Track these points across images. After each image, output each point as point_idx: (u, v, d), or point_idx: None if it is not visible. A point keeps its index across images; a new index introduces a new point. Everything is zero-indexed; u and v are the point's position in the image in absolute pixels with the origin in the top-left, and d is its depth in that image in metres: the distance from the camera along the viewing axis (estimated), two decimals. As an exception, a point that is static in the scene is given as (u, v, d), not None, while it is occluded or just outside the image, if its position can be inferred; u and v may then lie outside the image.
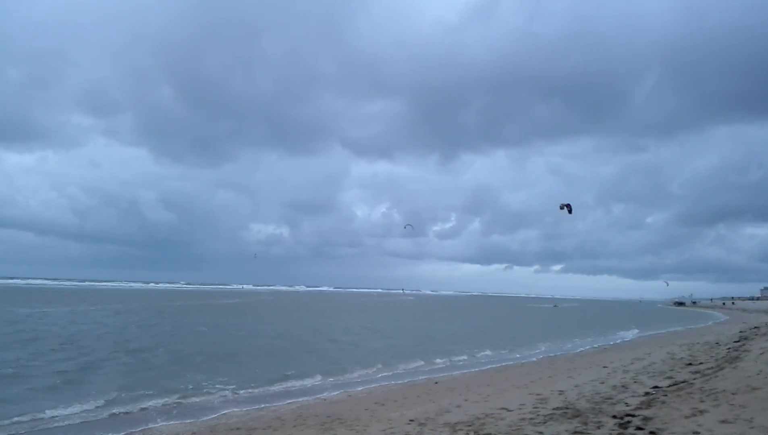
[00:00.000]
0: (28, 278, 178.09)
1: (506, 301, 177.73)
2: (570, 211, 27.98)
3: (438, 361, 21.07)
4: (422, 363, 20.44)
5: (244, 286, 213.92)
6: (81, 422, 11.01)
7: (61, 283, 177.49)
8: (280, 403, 12.91)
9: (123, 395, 13.16)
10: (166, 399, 13.05)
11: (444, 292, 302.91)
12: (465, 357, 22.71)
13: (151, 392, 13.58)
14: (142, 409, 12.08)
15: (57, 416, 11.24)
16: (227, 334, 29.16)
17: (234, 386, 14.77)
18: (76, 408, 11.83)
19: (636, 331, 40.73)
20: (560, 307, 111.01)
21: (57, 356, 18.55)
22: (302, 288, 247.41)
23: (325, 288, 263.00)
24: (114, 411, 11.84)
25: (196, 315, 44.83)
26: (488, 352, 24.31)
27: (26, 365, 16.57)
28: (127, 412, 11.79)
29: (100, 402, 12.40)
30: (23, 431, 10.24)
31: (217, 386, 14.65)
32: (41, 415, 11.19)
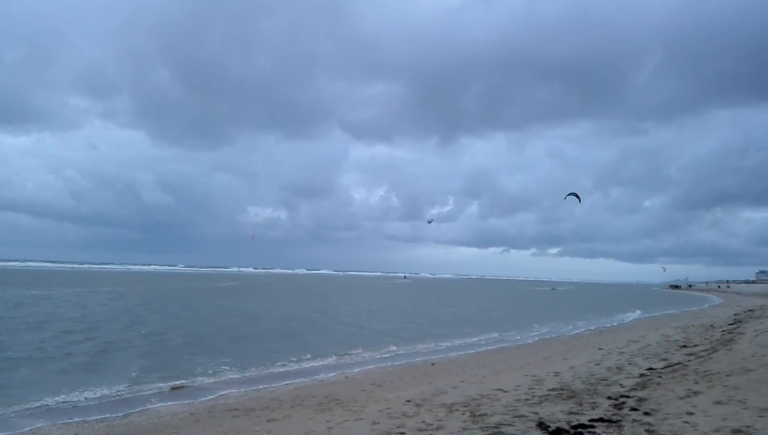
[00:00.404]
0: (26, 260, 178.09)
1: (505, 284, 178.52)
2: (579, 199, 28.12)
3: (445, 344, 21.20)
4: (432, 345, 20.70)
5: (242, 269, 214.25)
6: (79, 402, 11.07)
7: (59, 265, 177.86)
8: (278, 384, 12.99)
9: (122, 376, 13.23)
10: (166, 380, 13.11)
11: (443, 276, 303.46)
12: (476, 338, 22.96)
13: (151, 374, 13.65)
14: (142, 390, 12.15)
15: (58, 399, 11.30)
16: (228, 316, 29.30)
17: (233, 367, 14.85)
18: (76, 391, 11.89)
19: (638, 312, 41.59)
20: (558, 290, 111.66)
21: (61, 340, 18.62)
22: (302, 271, 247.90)
23: (324, 271, 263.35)
24: (113, 392, 11.91)
25: (196, 298, 45.01)
26: (495, 334, 24.53)
27: (35, 349, 16.61)
28: (126, 393, 11.85)
29: (100, 383, 12.46)
30: (28, 413, 10.30)
31: (216, 368, 14.72)
32: (45, 398, 11.27)
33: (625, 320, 33.92)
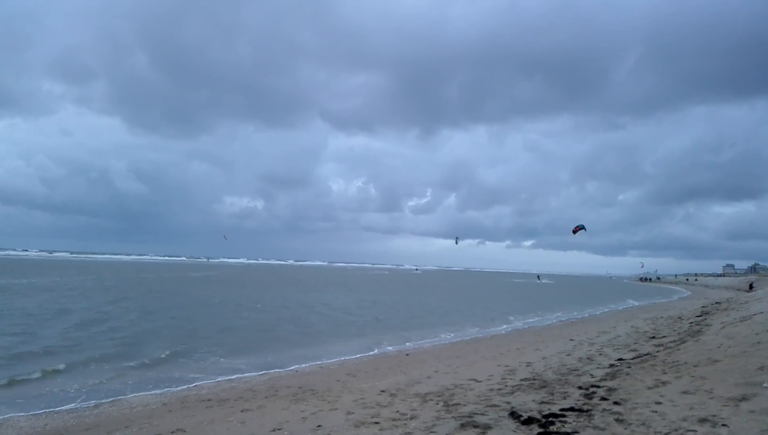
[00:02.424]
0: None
1: (487, 276, 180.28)
2: (577, 231, 28.74)
3: (447, 335, 21.36)
4: (452, 334, 20.92)
5: (214, 259, 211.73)
6: (47, 392, 10.88)
7: (28, 253, 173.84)
8: (252, 374, 12.93)
9: (95, 367, 13.06)
10: (139, 370, 12.99)
11: (426, 268, 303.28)
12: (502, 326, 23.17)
13: (123, 364, 13.51)
14: (113, 381, 11.99)
15: (28, 389, 11.12)
16: (203, 307, 29.06)
17: (206, 358, 14.76)
18: (47, 379, 11.70)
19: (633, 302, 43.78)
20: (542, 282, 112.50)
21: (25, 332, 18.26)
22: (292, 262, 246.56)
23: (318, 262, 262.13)
24: (85, 382, 11.73)
25: (170, 288, 44.56)
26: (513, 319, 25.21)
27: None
28: (96, 384, 11.67)
29: (71, 373, 12.28)
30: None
31: (189, 358, 14.62)
32: (14, 389, 11.06)
33: (597, 312, 34.58)
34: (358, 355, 15.98)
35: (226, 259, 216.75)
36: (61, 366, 12.93)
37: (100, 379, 12.07)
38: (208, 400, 10.22)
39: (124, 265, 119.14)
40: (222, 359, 14.77)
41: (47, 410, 9.63)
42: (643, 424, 6.28)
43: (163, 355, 14.71)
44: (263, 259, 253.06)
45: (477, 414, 7.44)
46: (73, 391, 11.08)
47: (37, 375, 12.01)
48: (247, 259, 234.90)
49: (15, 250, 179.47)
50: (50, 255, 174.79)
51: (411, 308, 34.08)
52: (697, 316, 22.16)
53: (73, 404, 10.05)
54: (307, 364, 14.43)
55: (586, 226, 30.99)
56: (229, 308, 28.75)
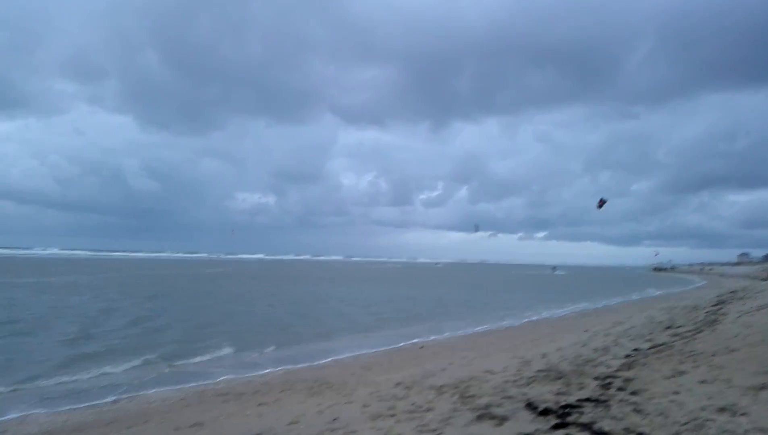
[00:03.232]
0: (9, 248, 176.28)
1: (502, 268, 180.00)
2: (602, 204, 28.54)
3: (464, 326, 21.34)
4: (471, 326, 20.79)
5: (231, 256, 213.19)
6: (69, 388, 11.03)
7: (49, 252, 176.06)
8: (267, 370, 13.00)
9: (113, 363, 13.19)
10: (156, 366, 13.12)
11: (441, 261, 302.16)
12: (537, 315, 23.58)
13: (140, 359, 13.65)
14: (132, 376, 12.12)
15: (49, 384, 11.27)
16: (221, 302, 29.33)
17: (223, 353, 14.88)
18: (64, 377, 11.85)
19: (654, 291, 43.74)
20: (558, 274, 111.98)
21: (52, 327, 18.50)
22: (309, 257, 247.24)
23: (334, 257, 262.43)
24: (103, 379, 11.88)
25: (186, 284, 44.91)
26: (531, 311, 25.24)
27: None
28: (115, 379, 11.82)
29: (93, 370, 12.43)
30: (18, 399, 10.24)
31: (206, 353, 14.73)
32: (36, 383, 11.22)
33: (611, 303, 34.41)
34: (373, 349, 16.01)
35: (243, 255, 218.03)
36: (78, 361, 13.11)
37: (119, 375, 12.22)
38: (225, 394, 10.30)
39: (142, 262, 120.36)
40: (237, 354, 14.89)
41: (67, 407, 9.76)
42: (662, 414, 6.24)
43: (178, 350, 14.85)
44: (280, 255, 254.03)
45: (493, 405, 7.42)
46: (91, 386, 11.23)
47: (56, 372, 12.18)
48: (265, 255, 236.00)
49: (32, 249, 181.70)
50: (71, 253, 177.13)
51: (434, 301, 34.23)
52: (713, 306, 21.96)
53: (92, 400, 10.18)
54: (322, 359, 14.50)
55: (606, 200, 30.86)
56: (245, 303, 28.98)
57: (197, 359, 14.04)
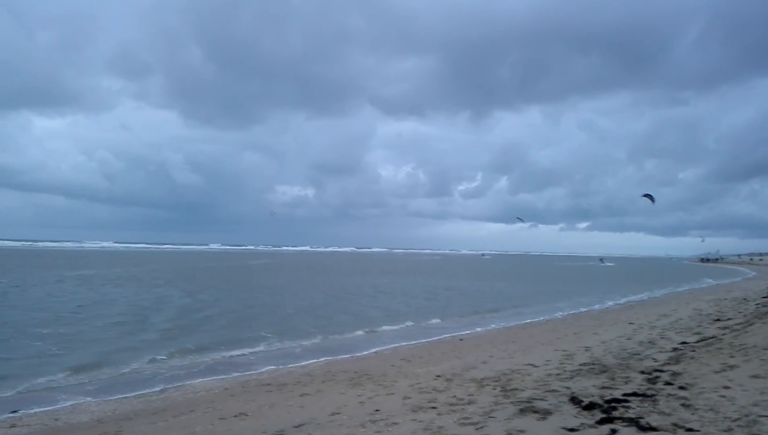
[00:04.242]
0: (60, 241, 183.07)
1: (546, 259, 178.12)
2: (653, 200, 28.04)
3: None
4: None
5: (278, 247, 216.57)
6: (118, 378, 11.40)
7: (97, 244, 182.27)
8: (309, 361, 13.17)
9: (159, 353, 13.58)
10: (201, 356, 13.45)
11: (485, 252, 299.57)
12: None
13: (186, 350, 14.04)
14: (178, 366, 12.46)
15: (98, 374, 11.67)
16: (264, 292, 29.97)
17: (267, 344, 15.16)
18: (115, 367, 12.26)
19: (712, 281, 42.92)
20: (605, 264, 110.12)
21: (99, 320, 19.17)
22: (353, 249, 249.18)
23: (377, 249, 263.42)
24: (150, 368, 12.26)
25: (236, 275, 46.09)
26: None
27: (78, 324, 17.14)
28: (162, 369, 12.17)
29: (142, 360, 12.84)
30: (69, 388, 10.64)
31: (250, 344, 15.04)
32: (86, 374, 11.64)
33: (656, 294, 33.64)
34: (413, 341, 16.03)
35: (287, 247, 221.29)
36: (127, 352, 13.55)
37: (165, 364, 12.59)
38: (268, 384, 10.47)
39: (190, 254, 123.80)
40: (280, 344, 15.17)
41: (117, 396, 10.09)
42: (712, 409, 6.07)
43: (223, 341, 15.20)
44: (323, 247, 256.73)
45: (536, 399, 7.34)
46: (139, 376, 11.59)
47: (107, 361, 12.61)
48: (309, 247, 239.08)
49: (82, 242, 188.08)
50: (125, 246, 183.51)
51: (482, 293, 34.33)
52: (764, 298, 21.24)
53: (140, 390, 10.50)
54: (363, 350, 14.61)
55: (652, 197, 30.27)
56: (290, 294, 29.54)
57: (241, 350, 14.33)
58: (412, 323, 19.80)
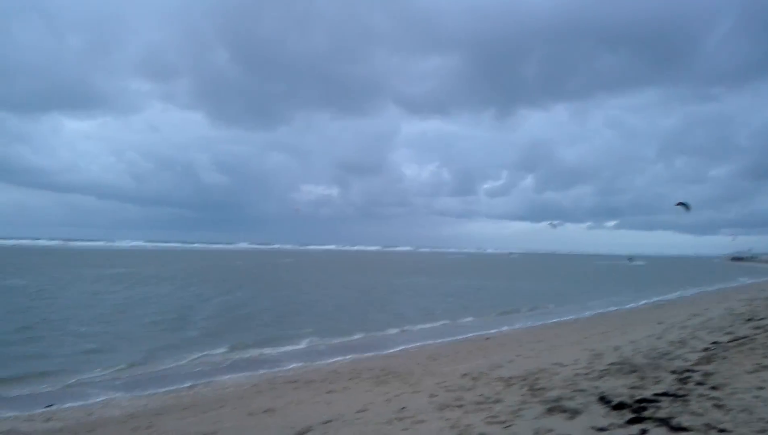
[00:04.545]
0: (91, 240, 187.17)
1: (574, 258, 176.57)
2: (688, 208, 27.70)
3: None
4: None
5: (302, 246, 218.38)
6: (148, 374, 11.63)
7: (128, 243, 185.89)
8: (336, 358, 13.26)
9: (188, 349, 13.80)
10: (230, 353, 13.64)
11: (512, 251, 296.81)
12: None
13: (215, 347, 14.23)
14: (207, 363, 12.66)
15: (130, 370, 11.91)
16: (294, 291, 30.34)
17: (294, 341, 15.30)
18: (145, 363, 12.50)
19: (747, 280, 42.52)
20: (634, 263, 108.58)
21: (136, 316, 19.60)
22: (379, 248, 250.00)
23: (404, 248, 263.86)
24: (179, 364, 12.47)
25: (265, 273, 46.68)
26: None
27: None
28: (192, 365, 12.37)
29: (168, 357, 13.05)
30: (101, 384, 10.88)
31: (277, 341, 15.21)
32: (118, 369, 11.89)
33: (687, 293, 33.05)
34: (438, 340, 16.02)
35: (313, 246, 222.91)
36: (157, 349, 13.80)
37: (194, 360, 12.79)
38: (295, 381, 10.57)
39: (220, 253, 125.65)
40: (312, 342, 15.29)
41: (148, 391, 10.29)
42: (745, 410, 5.95)
43: (253, 338, 15.37)
44: (349, 246, 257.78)
45: (564, 398, 7.28)
46: (169, 372, 11.80)
47: (137, 358, 12.86)
48: (336, 246, 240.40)
49: (113, 241, 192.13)
50: (156, 245, 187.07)
51: (509, 292, 34.32)
52: (800, 297, 20.70)
53: (170, 386, 10.69)
54: (389, 348, 14.65)
55: (687, 205, 29.79)
56: (320, 292, 29.81)
57: (271, 347, 14.49)
58: (449, 321, 19.86)
